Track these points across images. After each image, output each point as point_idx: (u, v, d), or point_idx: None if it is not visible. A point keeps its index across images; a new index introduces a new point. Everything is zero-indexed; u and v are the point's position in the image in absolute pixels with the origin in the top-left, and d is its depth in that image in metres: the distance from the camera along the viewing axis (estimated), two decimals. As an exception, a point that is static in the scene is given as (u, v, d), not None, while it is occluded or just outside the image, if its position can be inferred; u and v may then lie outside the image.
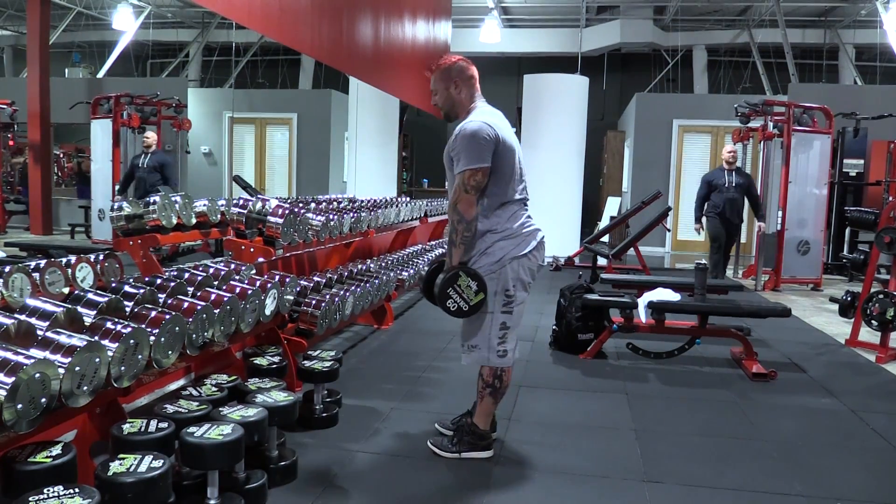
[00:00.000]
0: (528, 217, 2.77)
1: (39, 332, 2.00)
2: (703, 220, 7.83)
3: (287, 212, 3.72)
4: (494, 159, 2.62)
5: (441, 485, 2.58)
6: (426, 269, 2.87)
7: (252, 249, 3.65)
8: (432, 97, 2.83)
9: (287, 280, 3.39)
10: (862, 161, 9.28)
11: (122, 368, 2.08)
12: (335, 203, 5.53)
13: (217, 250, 7.42)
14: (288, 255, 4.10)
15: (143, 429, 2.08)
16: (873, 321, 4.68)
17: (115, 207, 3.61)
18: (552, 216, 9.52)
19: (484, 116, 2.67)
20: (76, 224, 10.86)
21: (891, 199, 8.38)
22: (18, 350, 1.81)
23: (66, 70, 14.07)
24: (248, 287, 2.91)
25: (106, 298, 2.36)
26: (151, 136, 8.35)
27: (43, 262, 2.86)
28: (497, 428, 2.95)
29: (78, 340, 1.93)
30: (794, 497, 2.56)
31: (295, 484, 2.51)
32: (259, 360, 3.01)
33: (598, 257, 8.30)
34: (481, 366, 2.75)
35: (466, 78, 2.76)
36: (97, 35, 14.43)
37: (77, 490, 1.72)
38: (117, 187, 8.88)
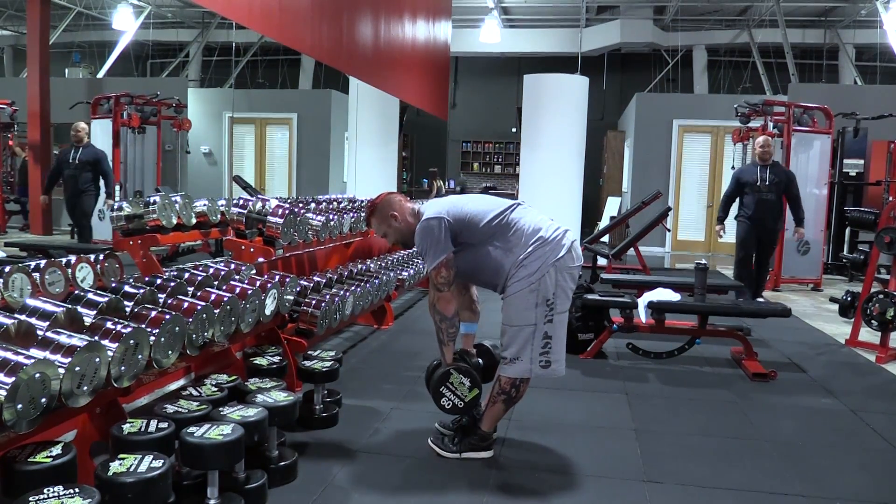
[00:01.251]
0: (550, 219, 2.76)
1: (39, 332, 2.00)
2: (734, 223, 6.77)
3: (287, 212, 3.72)
4: (464, 228, 2.66)
5: (441, 485, 2.58)
6: (430, 365, 2.96)
7: (252, 249, 3.65)
8: (388, 241, 2.92)
9: (287, 280, 3.39)
10: (862, 161, 9.27)
11: (122, 368, 2.08)
12: (335, 203, 5.54)
13: (217, 250, 7.42)
14: (288, 255, 4.10)
15: (143, 429, 2.08)
16: (873, 321, 4.68)
17: (115, 207, 3.61)
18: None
19: (427, 213, 2.71)
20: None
21: (891, 199, 8.38)
22: (18, 350, 1.81)
23: (66, 70, 14.07)
24: (248, 287, 2.91)
25: (106, 298, 2.36)
26: (83, 127, 7.61)
27: (43, 262, 2.86)
28: (497, 428, 2.95)
29: (78, 340, 1.93)
30: (794, 497, 2.56)
31: (295, 484, 2.51)
32: (259, 360, 3.01)
33: (598, 257, 8.30)
34: (517, 377, 2.71)
35: (397, 203, 2.82)
36: (97, 35, 14.44)
37: (77, 490, 1.72)
38: (47, 187, 8.16)
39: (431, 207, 2.74)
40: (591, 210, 11.82)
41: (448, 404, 2.68)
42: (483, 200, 2.81)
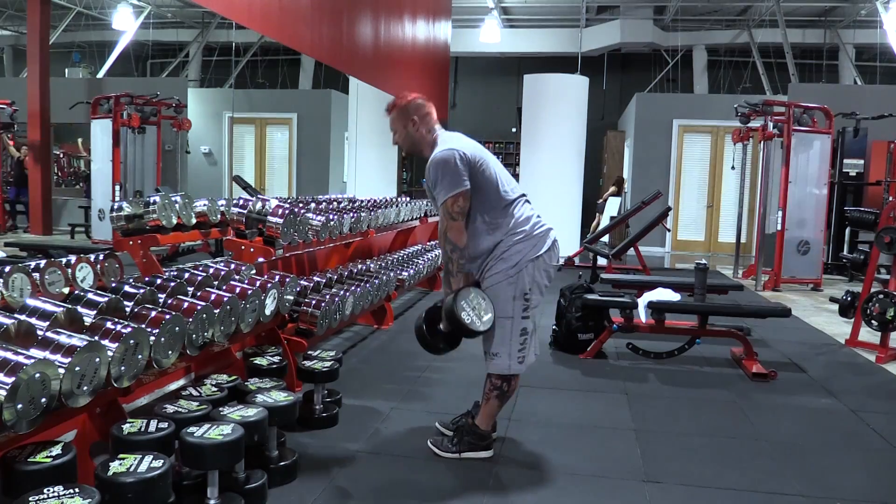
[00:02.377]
0: (538, 216, 2.76)
1: (39, 332, 2.00)
2: None
3: (287, 212, 3.72)
4: (473, 178, 2.62)
5: (441, 485, 2.58)
6: (423, 315, 2.83)
7: (252, 249, 3.65)
8: (392, 136, 2.84)
9: (287, 280, 3.39)
10: (862, 161, 9.28)
11: (122, 368, 2.08)
12: (335, 203, 5.53)
13: (217, 250, 7.42)
14: (288, 255, 4.10)
15: (143, 429, 2.08)
16: (873, 321, 4.68)
17: (115, 207, 3.60)
18: (552, 216, 9.50)
19: (447, 143, 2.67)
20: (76, 224, 10.86)
21: (891, 199, 8.38)
22: (18, 350, 1.81)
23: (66, 70, 14.06)
24: (248, 287, 2.91)
25: (106, 298, 2.36)
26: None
27: (43, 262, 2.86)
28: (497, 428, 2.95)
29: (78, 340, 1.93)
30: (794, 497, 2.56)
31: (295, 484, 2.51)
32: (259, 360, 3.01)
33: (598, 257, 8.30)
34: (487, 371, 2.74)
35: (423, 114, 2.76)
36: (97, 35, 14.43)
37: (77, 490, 1.72)
38: None
39: (454, 139, 2.69)
40: (590, 210, 11.81)
41: (468, 319, 2.56)
42: (503, 170, 2.77)
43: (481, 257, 2.69)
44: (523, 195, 2.78)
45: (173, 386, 2.86)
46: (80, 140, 12.14)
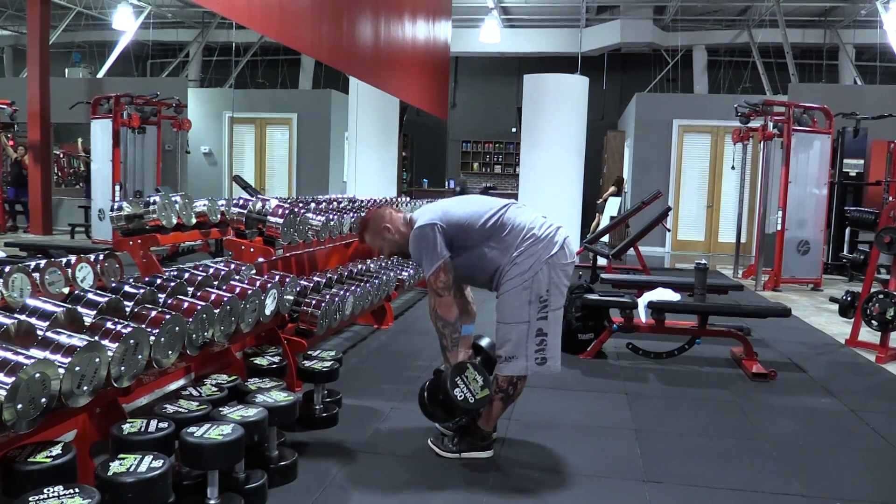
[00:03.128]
0: (543, 217, 2.76)
1: (39, 332, 2.00)
2: None
3: (287, 212, 3.72)
4: (458, 232, 2.66)
5: (441, 485, 2.58)
6: (425, 384, 2.86)
7: (252, 249, 3.65)
8: (383, 253, 2.91)
9: (287, 280, 3.39)
10: (862, 161, 9.28)
11: (122, 368, 2.08)
12: (335, 203, 5.54)
13: (217, 250, 7.42)
14: (288, 255, 4.10)
15: (143, 429, 2.08)
16: (873, 321, 4.68)
17: (115, 207, 3.60)
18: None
19: (420, 220, 2.70)
20: (76, 224, 10.87)
21: (891, 199, 8.38)
22: (18, 350, 1.81)
23: (66, 70, 14.07)
24: (248, 287, 2.91)
25: (106, 298, 2.36)
26: None
27: (43, 262, 2.86)
28: (497, 428, 2.95)
29: (78, 340, 1.93)
30: (794, 497, 2.56)
31: (295, 484, 2.51)
32: (259, 360, 3.01)
33: (598, 257, 8.30)
34: (497, 373, 2.73)
35: (389, 218, 2.81)
36: (97, 35, 14.44)
37: (77, 490, 1.72)
38: None
39: (424, 214, 2.73)
40: (590, 210, 11.82)
41: (461, 396, 2.60)
42: (476, 202, 2.79)
43: (500, 270, 2.69)
44: (512, 204, 2.78)
45: (173, 386, 2.86)
46: (79, 140, 12.16)
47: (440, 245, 2.63)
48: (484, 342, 2.95)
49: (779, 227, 7.72)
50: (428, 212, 2.74)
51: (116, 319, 2.18)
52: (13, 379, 1.69)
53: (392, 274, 4.99)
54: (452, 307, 2.68)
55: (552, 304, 2.65)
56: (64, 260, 2.96)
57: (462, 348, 2.80)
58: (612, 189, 11.63)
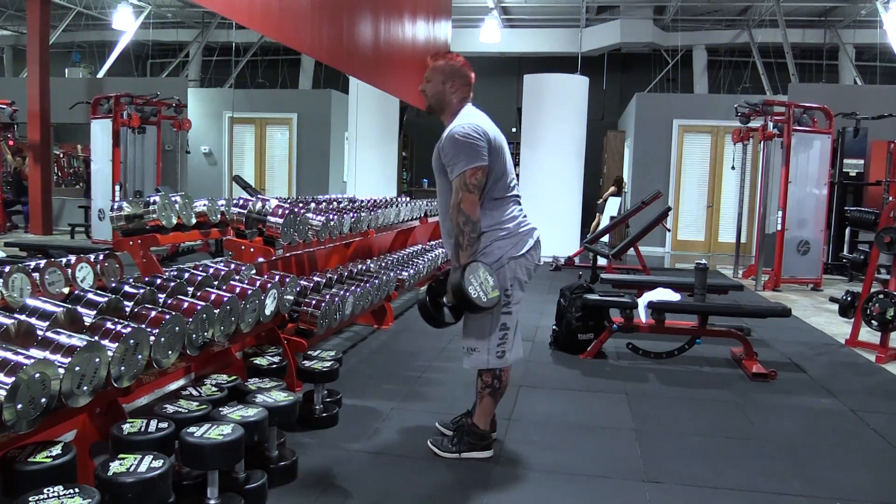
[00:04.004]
0: (524, 215, 2.77)
1: (39, 332, 2.00)
2: None
3: (287, 212, 3.72)
4: (489, 158, 2.62)
5: (441, 485, 2.58)
6: (426, 288, 2.81)
7: (252, 249, 3.65)
8: (422, 83, 2.80)
9: (287, 280, 3.39)
10: (862, 161, 9.29)
11: (122, 368, 2.08)
12: (335, 203, 5.54)
13: (217, 250, 7.43)
14: (288, 255, 4.10)
15: (143, 429, 2.08)
16: (873, 321, 4.68)
17: (115, 207, 3.61)
18: (552, 216, 9.53)
19: (471, 119, 2.67)
20: (76, 224, 10.87)
21: (891, 199, 8.38)
22: (18, 350, 1.81)
23: (66, 70, 14.07)
24: (248, 287, 2.91)
25: (106, 298, 2.36)
26: None
27: (43, 262, 2.86)
28: (497, 428, 2.95)
29: (78, 340, 1.93)
30: (794, 497, 2.56)
31: (295, 484, 2.51)
32: (259, 360, 3.01)
33: (598, 257, 8.30)
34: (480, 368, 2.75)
35: (464, 83, 2.76)
36: (97, 35, 14.44)
37: (77, 490, 1.72)
38: None
39: (480, 117, 2.69)
40: (590, 210, 11.83)
41: (475, 293, 2.53)
42: (511, 165, 2.76)
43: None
44: (518, 196, 2.80)
45: (173, 386, 2.86)
46: (78, 147, 12.10)
47: (485, 152, 2.59)
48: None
49: (779, 227, 7.72)
50: (485, 121, 2.69)
51: (116, 319, 2.18)
52: (13, 379, 1.69)
53: (392, 274, 4.99)
54: (477, 206, 2.59)
55: (514, 298, 2.69)
56: (64, 260, 2.96)
57: (471, 251, 2.66)
58: (611, 189, 11.64)
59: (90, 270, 3.02)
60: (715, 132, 11.75)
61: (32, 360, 1.76)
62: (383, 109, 10.13)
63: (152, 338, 2.22)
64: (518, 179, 10.38)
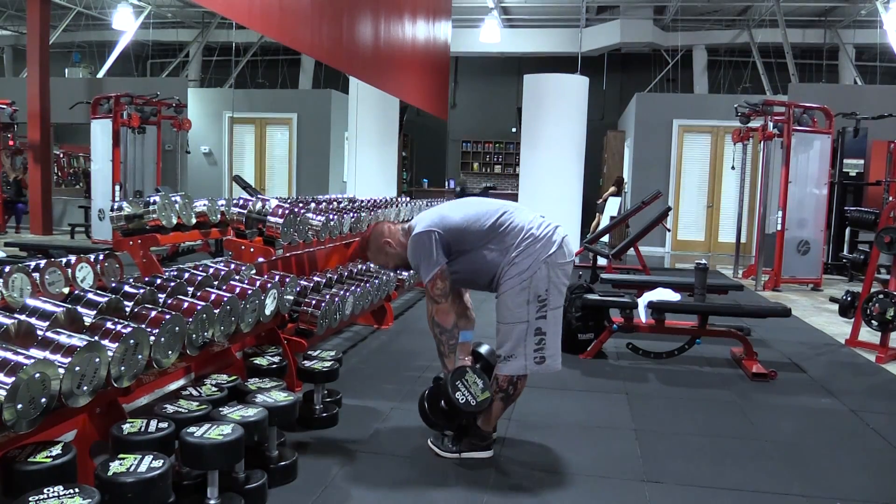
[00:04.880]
0: (541, 217, 2.76)
1: (39, 332, 2.00)
2: None
3: (287, 212, 3.72)
4: (457, 236, 2.66)
5: (441, 485, 2.58)
6: (425, 392, 2.89)
7: (252, 249, 3.65)
8: (388, 268, 2.95)
9: (287, 280, 3.39)
10: (862, 161, 9.28)
11: (122, 368, 2.08)
12: (335, 203, 5.54)
13: (217, 250, 7.43)
14: (288, 255, 4.10)
15: (143, 429, 2.08)
16: (873, 321, 4.68)
17: (115, 207, 3.61)
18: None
19: (417, 227, 2.71)
20: (76, 224, 10.87)
21: (891, 199, 8.38)
22: (18, 350, 1.81)
23: (66, 70, 14.07)
24: (248, 287, 2.91)
25: (106, 298, 2.36)
26: None
27: (43, 262, 2.86)
28: (497, 428, 2.95)
29: (78, 340, 1.93)
30: (793, 497, 2.56)
31: (295, 484, 2.51)
32: (259, 360, 3.01)
33: (598, 257, 8.30)
34: (496, 372, 2.74)
35: (388, 232, 2.84)
36: (97, 35, 14.43)
37: (77, 490, 1.72)
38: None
39: (422, 221, 2.73)
40: (590, 210, 11.83)
41: (462, 399, 2.61)
42: (474, 205, 2.78)
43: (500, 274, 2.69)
44: (509, 205, 2.79)
45: (173, 386, 2.86)
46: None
47: (437, 252, 2.63)
48: (483, 349, 2.94)
49: (779, 227, 7.72)
50: (426, 218, 2.74)
51: (116, 319, 2.18)
52: (13, 379, 1.69)
53: (392, 274, 4.99)
54: (449, 314, 2.70)
55: (551, 303, 2.66)
56: (64, 260, 2.96)
57: (462, 354, 2.80)
58: (611, 189, 11.64)
59: (90, 270, 3.02)
60: (715, 132, 11.75)
61: (32, 360, 1.76)
62: (383, 109, 10.12)
63: (152, 338, 2.22)
64: (518, 180, 10.44)
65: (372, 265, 4.95)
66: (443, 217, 2.71)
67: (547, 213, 2.85)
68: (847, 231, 8.79)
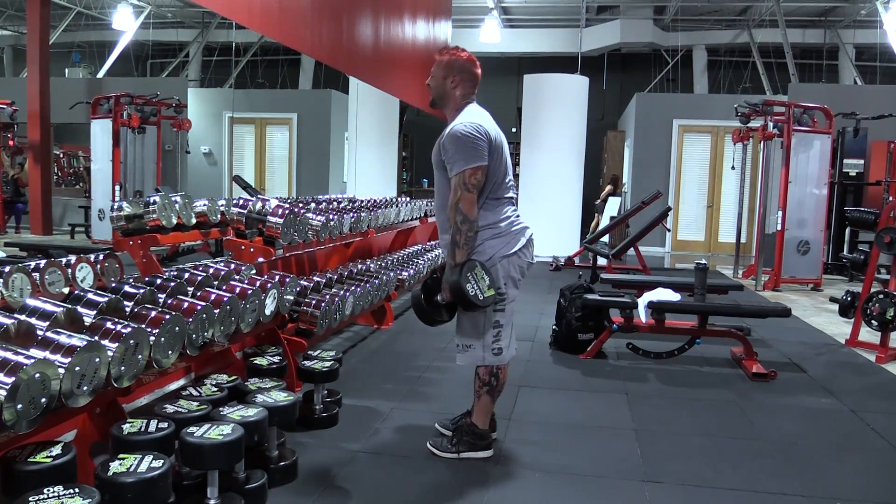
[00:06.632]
0: (517, 215, 2.77)
1: (39, 332, 2.00)
2: None
3: (287, 212, 3.72)
4: (489, 159, 2.62)
5: (440, 485, 2.58)
6: (421, 286, 2.82)
7: (252, 249, 3.65)
8: (429, 78, 2.81)
9: (287, 280, 3.39)
10: (862, 161, 9.28)
11: (122, 368, 2.08)
12: (335, 203, 5.54)
13: (217, 250, 7.42)
14: (288, 255, 4.10)
15: (143, 429, 2.08)
16: (873, 321, 4.68)
17: (115, 207, 3.60)
18: (552, 216, 9.53)
19: (474, 117, 2.67)
20: (76, 224, 10.86)
21: (891, 199, 8.38)
22: (18, 350, 1.81)
23: (66, 70, 14.06)
24: (248, 287, 2.91)
25: (106, 298, 2.36)
26: None
27: (43, 262, 2.86)
28: (497, 428, 2.95)
29: (78, 340, 1.93)
30: (793, 497, 2.56)
31: (295, 484, 2.51)
32: (259, 360, 3.01)
33: (598, 257, 8.30)
34: (477, 365, 2.75)
35: (468, 77, 2.76)
36: (97, 35, 14.43)
37: (77, 490, 1.72)
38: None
39: (483, 117, 2.70)
40: (590, 210, 11.83)
41: (472, 291, 2.55)
42: (510, 166, 2.77)
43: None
44: (514, 197, 2.80)
45: (173, 386, 2.86)
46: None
47: (486, 151, 2.60)
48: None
49: (779, 227, 7.72)
50: (488, 120, 2.70)
51: (116, 319, 2.18)
52: (13, 379, 1.69)
53: (392, 274, 4.99)
54: (475, 205, 2.60)
55: (508, 296, 2.69)
56: (64, 260, 2.96)
57: (466, 251, 2.66)
58: (608, 188, 11.63)
59: (90, 270, 3.02)
60: (715, 132, 11.75)
61: (32, 360, 1.76)
62: (383, 109, 10.13)
63: (152, 338, 2.22)
64: (517, 180, 10.44)
65: (371, 264, 4.95)
66: (499, 137, 2.69)
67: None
68: (847, 231, 8.79)
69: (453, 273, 2.58)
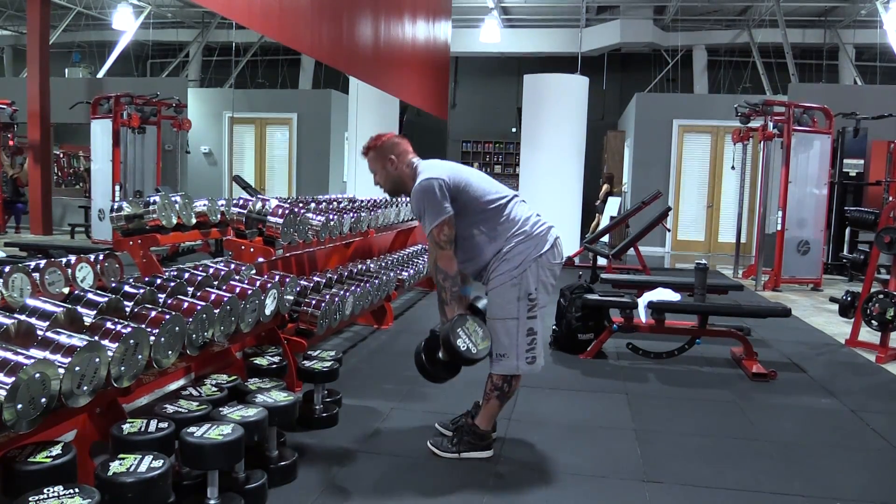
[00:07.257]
0: (538, 215, 2.77)
1: (39, 332, 2.00)
2: None
3: (287, 212, 3.72)
4: (458, 199, 2.64)
5: (440, 485, 2.58)
6: (421, 343, 2.85)
7: (252, 249, 3.65)
8: (374, 178, 2.86)
9: (287, 280, 3.39)
10: (862, 161, 9.28)
11: (122, 368, 2.08)
12: (335, 203, 5.54)
13: (217, 250, 7.42)
14: (288, 255, 4.10)
15: (143, 429, 2.08)
16: (873, 321, 4.68)
17: (115, 207, 3.60)
18: (552, 216, 9.49)
19: (426, 172, 2.68)
20: (76, 224, 10.86)
21: (891, 199, 8.38)
22: (18, 350, 1.81)
23: (66, 70, 14.06)
24: (248, 287, 2.91)
25: (106, 298, 2.36)
26: None
27: (43, 262, 2.86)
28: (497, 428, 2.95)
29: (78, 340, 1.93)
30: (793, 497, 2.56)
31: (295, 484, 2.51)
32: (259, 360, 3.01)
33: (598, 257, 8.30)
34: (490, 371, 2.74)
35: (399, 151, 2.78)
36: (97, 35, 14.43)
37: (77, 490, 1.72)
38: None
39: (433, 169, 2.70)
40: (590, 210, 11.82)
41: (464, 346, 2.57)
42: (485, 179, 2.78)
43: (487, 264, 2.70)
44: (515, 196, 2.79)
45: (173, 386, 2.86)
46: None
47: (444, 200, 2.60)
48: (480, 304, 2.88)
49: (779, 227, 7.72)
50: (437, 167, 2.71)
51: (116, 319, 2.18)
52: (13, 379, 1.69)
53: (392, 274, 4.99)
54: (453, 261, 2.64)
55: (540, 301, 2.68)
56: (64, 260, 2.96)
57: (460, 307, 2.70)
58: (605, 188, 11.61)
59: (90, 270, 3.02)
60: (715, 132, 11.75)
61: (32, 360, 1.76)
62: (383, 109, 10.12)
63: (152, 338, 2.22)
64: (518, 180, 10.44)
65: (371, 264, 4.95)
66: (455, 172, 2.70)
67: (547, 214, 2.85)
68: (847, 231, 8.79)
69: (445, 328, 2.61)
